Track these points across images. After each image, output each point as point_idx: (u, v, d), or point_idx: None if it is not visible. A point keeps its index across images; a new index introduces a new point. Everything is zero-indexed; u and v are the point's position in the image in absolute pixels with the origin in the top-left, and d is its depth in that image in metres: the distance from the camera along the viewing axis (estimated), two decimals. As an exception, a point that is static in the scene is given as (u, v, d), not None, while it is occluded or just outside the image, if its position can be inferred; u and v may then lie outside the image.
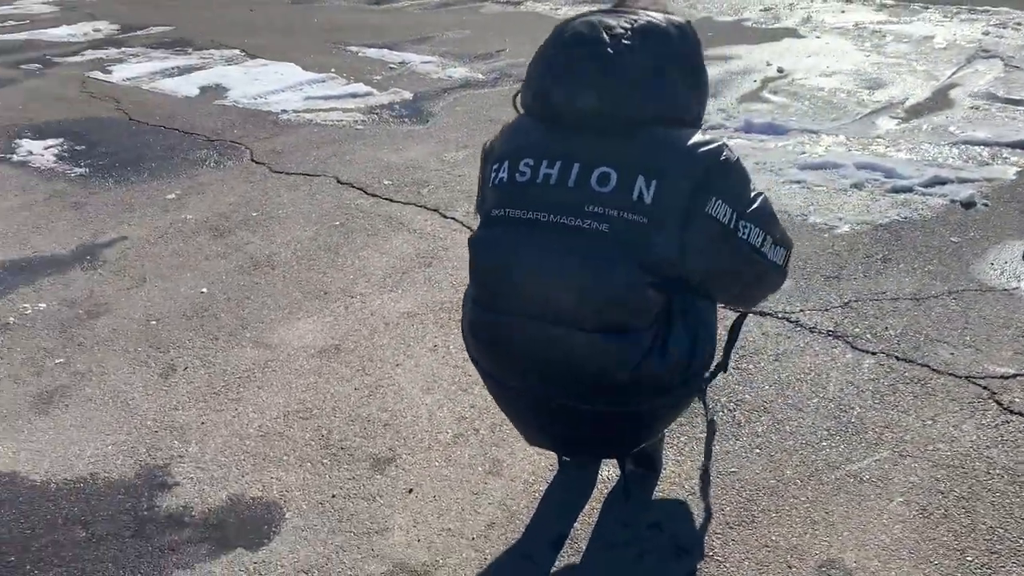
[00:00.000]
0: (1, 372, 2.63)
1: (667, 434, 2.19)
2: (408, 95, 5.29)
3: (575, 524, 1.96)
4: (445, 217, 3.52)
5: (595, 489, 2.05)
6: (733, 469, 2.09)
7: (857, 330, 2.59)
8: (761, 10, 7.30)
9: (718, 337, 1.75)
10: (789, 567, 1.82)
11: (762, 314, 2.69)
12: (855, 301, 2.75)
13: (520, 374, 1.70)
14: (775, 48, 5.93)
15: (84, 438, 2.32)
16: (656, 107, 1.59)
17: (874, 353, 2.48)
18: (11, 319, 2.92)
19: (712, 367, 1.79)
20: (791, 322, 2.65)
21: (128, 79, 5.90)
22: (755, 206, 1.65)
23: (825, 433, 2.18)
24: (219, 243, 3.41)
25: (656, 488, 2.05)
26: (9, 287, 3.14)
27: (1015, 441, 2.12)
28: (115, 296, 3.05)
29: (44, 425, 2.39)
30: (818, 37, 6.26)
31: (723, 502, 1.99)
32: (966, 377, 2.36)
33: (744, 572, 1.81)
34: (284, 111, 5.04)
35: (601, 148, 1.57)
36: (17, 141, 4.74)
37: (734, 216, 1.60)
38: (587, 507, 2.01)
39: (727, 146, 1.64)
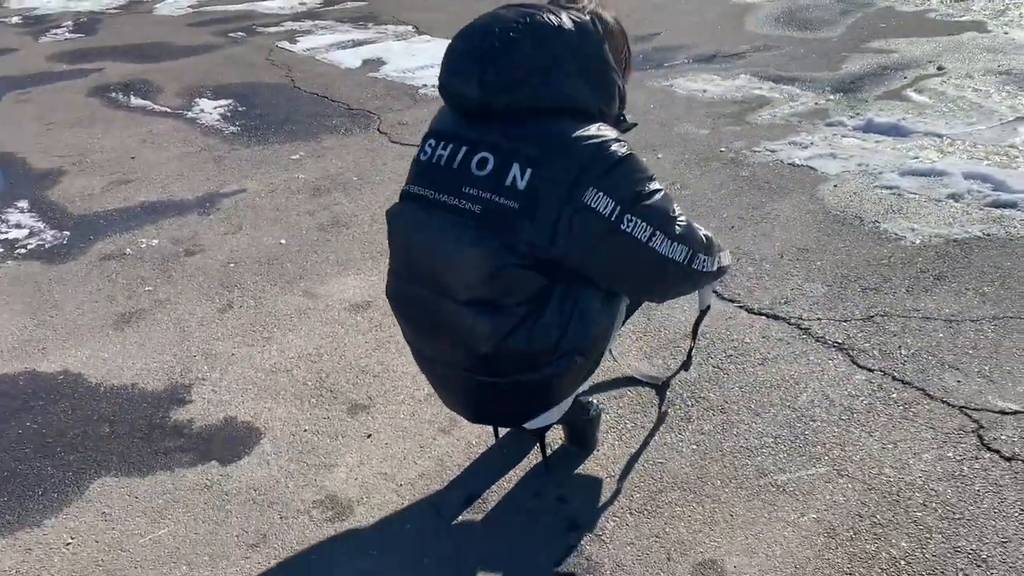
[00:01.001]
0: (103, 292, 3.14)
1: (614, 419, 2.27)
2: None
3: (492, 487, 2.10)
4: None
5: (526, 459, 2.17)
6: (661, 460, 2.14)
7: (866, 345, 2.49)
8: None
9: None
10: (668, 559, 1.86)
11: (774, 317, 2.65)
12: (880, 316, 2.63)
13: (427, 342, 1.87)
14: (947, 42, 5.49)
15: (139, 354, 2.75)
16: (544, 98, 1.68)
17: (870, 370, 2.39)
18: (128, 250, 3.45)
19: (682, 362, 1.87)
20: (800, 329, 2.59)
21: (307, 50, 6.51)
22: (647, 201, 1.69)
23: (770, 441, 2.16)
24: (313, 202, 3.80)
25: (581, 465, 2.14)
26: (138, 224, 3.69)
27: (972, 478, 2.00)
28: (212, 239, 3.50)
29: (116, 339, 2.85)
30: (1006, 32, 5.70)
31: (636, 489, 2.05)
32: (960, 407, 2.23)
33: (623, 555, 1.88)
34: (424, 85, 5.38)
35: (488, 134, 1.69)
36: (196, 100, 5.42)
37: (617, 209, 1.65)
38: (512, 474, 2.13)
39: (618, 139, 1.69)
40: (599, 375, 2.40)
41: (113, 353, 2.77)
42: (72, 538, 2.05)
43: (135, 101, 5.53)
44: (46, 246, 3.54)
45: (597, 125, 1.71)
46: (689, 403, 2.32)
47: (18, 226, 3.73)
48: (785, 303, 2.72)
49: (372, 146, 4.43)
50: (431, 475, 2.15)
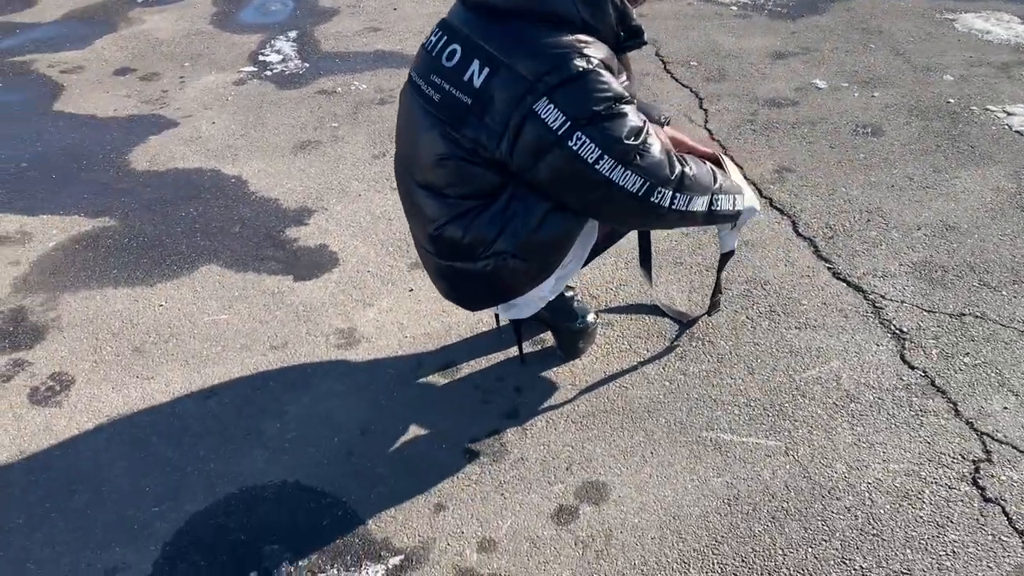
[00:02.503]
0: (300, 120, 3.67)
1: (615, 337, 2.32)
2: None
3: (470, 362, 2.29)
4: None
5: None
6: (627, 385, 2.18)
7: (929, 342, 2.25)
8: None
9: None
10: (567, 469, 1.96)
11: (855, 287, 2.46)
12: (973, 317, 2.33)
13: (409, 220, 2.05)
14: None
15: (295, 177, 3.24)
16: (529, 2, 1.71)
17: (912, 368, 2.18)
18: (339, 89, 3.94)
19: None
20: (873, 306, 2.39)
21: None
22: (603, 123, 1.70)
23: (742, 401, 2.10)
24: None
25: (554, 368, 2.24)
26: (361, 68, 4.16)
27: (926, 503, 1.82)
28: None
29: (287, 161, 3.36)
30: None
31: (584, 403, 2.13)
32: (981, 433, 1.99)
33: (531, 453, 2.01)
34: None
35: (470, 29, 1.78)
36: None
37: (567, 124, 1.68)
38: (494, 357, 2.30)
39: (587, 55, 1.69)
40: (624, 295, 2.44)
41: (278, 171, 3.28)
42: (164, 302, 2.59)
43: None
44: (286, 72, 4.14)
45: (574, 37, 1.71)
46: (695, 343, 2.30)
47: (277, 52, 4.38)
48: (879, 276, 2.49)
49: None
50: (434, 336, 2.38)
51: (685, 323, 2.33)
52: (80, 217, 3.04)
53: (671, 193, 1.79)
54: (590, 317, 2.27)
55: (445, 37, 1.81)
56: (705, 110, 3.54)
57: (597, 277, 2.57)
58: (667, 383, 2.17)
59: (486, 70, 1.72)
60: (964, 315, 2.33)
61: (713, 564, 1.72)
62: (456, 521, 1.85)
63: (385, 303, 2.52)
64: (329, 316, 2.48)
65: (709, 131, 3.36)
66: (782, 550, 1.74)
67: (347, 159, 3.32)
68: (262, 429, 2.12)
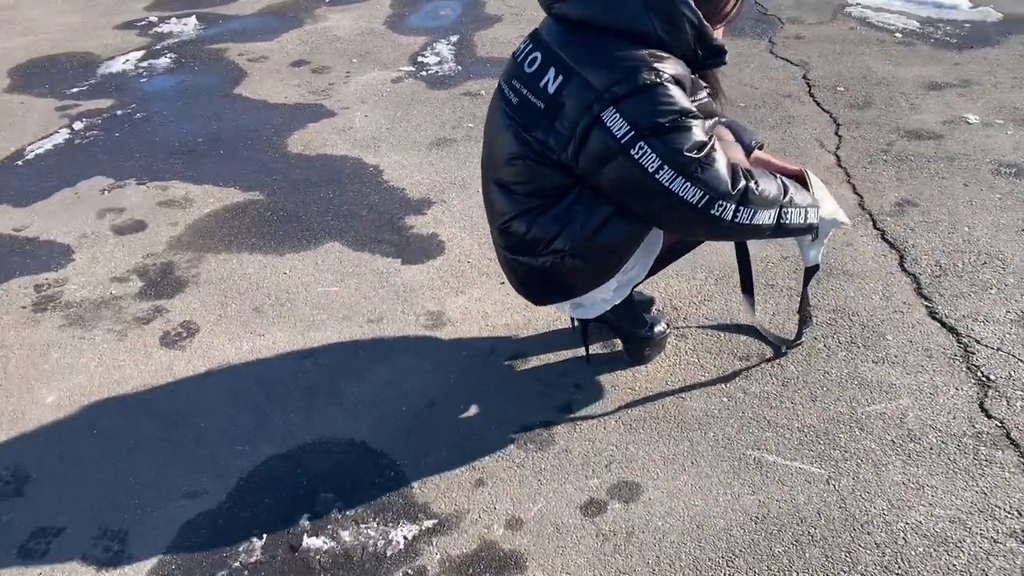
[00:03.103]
0: (440, 119, 3.90)
1: (692, 350, 2.36)
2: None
3: (540, 355, 2.40)
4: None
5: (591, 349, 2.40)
6: (684, 398, 2.22)
7: (1016, 394, 2.15)
8: None
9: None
10: (607, 467, 2.04)
11: (950, 328, 2.37)
12: (1076, 374, 2.20)
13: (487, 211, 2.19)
14: None
15: (425, 171, 3.46)
16: (607, 17, 1.82)
17: (990, 417, 2.09)
18: (482, 91, 4.16)
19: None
20: (964, 350, 2.30)
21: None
22: (666, 134, 1.78)
23: (797, 427, 2.10)
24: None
25: (617, 372, 2.32)
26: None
27: (976, 553, 1.77)
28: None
29: (420, 156, 3.59)
30: None
31: (640, 408, 2.20)
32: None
33: (576, 447, 2.10)
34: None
35: (551, 39, 1.91)
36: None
37: (631, 133, 1.78)
38: (564, 354, 2.40)
39: (657, 69, 1.77)
40: (707, 311, 2.47)
41: (412, 164, 3.53)
42: (288, 271, 2.88)
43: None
44: (439, 74, 4.41)
45: (647, 51, 1.80)
46: (765, 364, 2.30)
47: (436, 54, 4.66)
48: (980, 321, 2.39)
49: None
50: (512, 327, 2.52)
51: (776, 351, 2.32)
52: (235, 190, 3.40)
53: (733, 207, 1.84)
54: (659, 327, 2.33)
55: (531, 45, 1.94)
56: (840, 136, 3.46)
57: (683, 289, 2.61)
58: (725, 399, 2.19)
59: (560, 78, 1.84)
60: (1065, 369, 2.19)
61: (724, 575, 1.75)
62: (491, 497, 1.97)
63: (476, 292, 2.68)
64: (424, 299, 2.66)
65: (838, 157, 3.29)
66: (797, 572, 1.74)
67: (474, 157, 3.51)
68: (343, 391, 2.33)
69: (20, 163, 3.79)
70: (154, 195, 3.42)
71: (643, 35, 1.81)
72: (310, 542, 1.90)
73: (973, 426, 2.05)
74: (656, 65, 1.79)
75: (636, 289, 2.39)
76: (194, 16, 5.50)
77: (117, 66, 4.82)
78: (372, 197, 3.28)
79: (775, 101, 3.75)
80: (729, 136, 2.13)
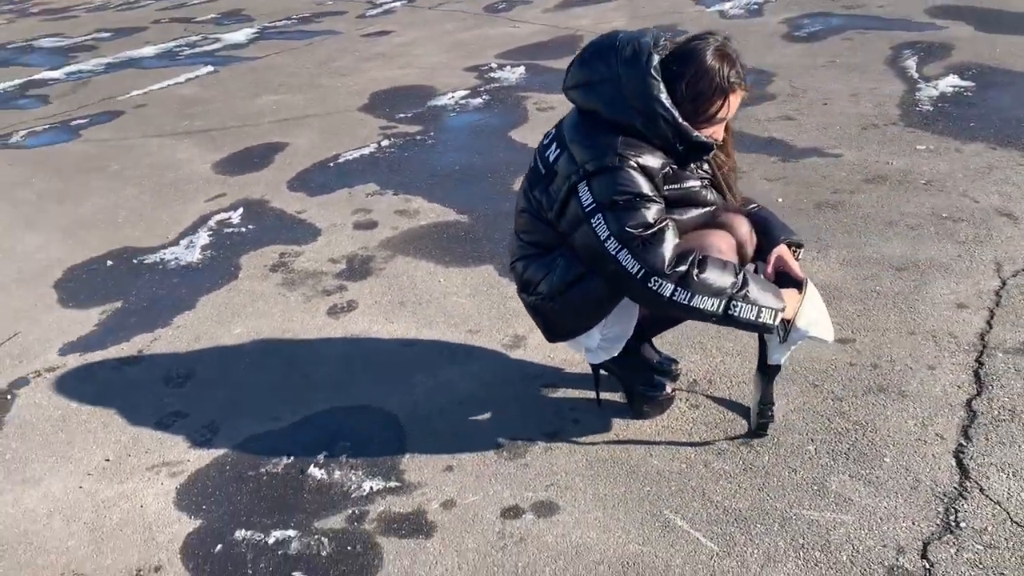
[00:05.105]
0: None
1: (690, 416, 2.55)
2: None
3: (571, 389, 2.75)
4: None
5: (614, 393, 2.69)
6: (676, 440, 2.43)
7: (979, 526, 2.04)
8: None
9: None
10: (550, 484, 2.37)
11: (965, 472, 2.27)
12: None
13: None
14: None
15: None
16: (599, 107, 2.18)
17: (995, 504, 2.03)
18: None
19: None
20: (962, 481, 2.20)
21: None
22: (620, 210, 2.10)
23: (730, 508, 2.22)
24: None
25: (617, 420, 2.58)
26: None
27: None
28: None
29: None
30: None
31: (614, 456, 2.46)
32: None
33: (544, 454, 2.45)
34: None
35: (566, 119, 2.31)
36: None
37: (593, 205, 2.14)
38: (588, 393, 2.71)
39: (623, 155, 2.10)
40: (727, 385, 2.62)
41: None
42: (442, 280, 3.52)
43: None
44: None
45: (624, 139, 2.14)
46: (744, 445, 2.41)
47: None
48: (1006, 474, 2.23)
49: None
50: (568, 362, 2.87)
51: (748, 432, 2.43)
52: (452, 210, 4.14)
53: (672, 286, 2.08)
54: (663, 391, 2.54)
55: (555, 124, 2.35)
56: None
57: (706, 362, 2.76)
58: (684, 465, 2.36)
59: (558, 151, 2.24)
60: (1055, 544, 2.00)
61: None
62: (448, 480, 2.41)
63: (561, 329, 3.07)
64: (519, 324, 3.12)
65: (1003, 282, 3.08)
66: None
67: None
68: (412, 377, 2.90)
69: (332, 164, 4.94)
70: (397, 204, 4.29)
71: (627, 126, 2.13)
72: (313, 471, 2.51)
73: (897, 561, 2.00)
74: (624, 152, 2.10)
75: (662, 351, 2.64)
76: (523, 66, 6.44)
77: (443, 100, 5.90)
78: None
79: (983, 218, 3.53)
80: (739, 223, 2.31)
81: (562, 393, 2.73)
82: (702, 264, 2.08)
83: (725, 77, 2.12)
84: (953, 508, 2.12)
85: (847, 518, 2.13)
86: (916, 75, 5.27)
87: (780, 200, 3.84)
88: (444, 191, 4.38)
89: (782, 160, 4.28)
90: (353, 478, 2.46)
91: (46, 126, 6.33)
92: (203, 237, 4.14)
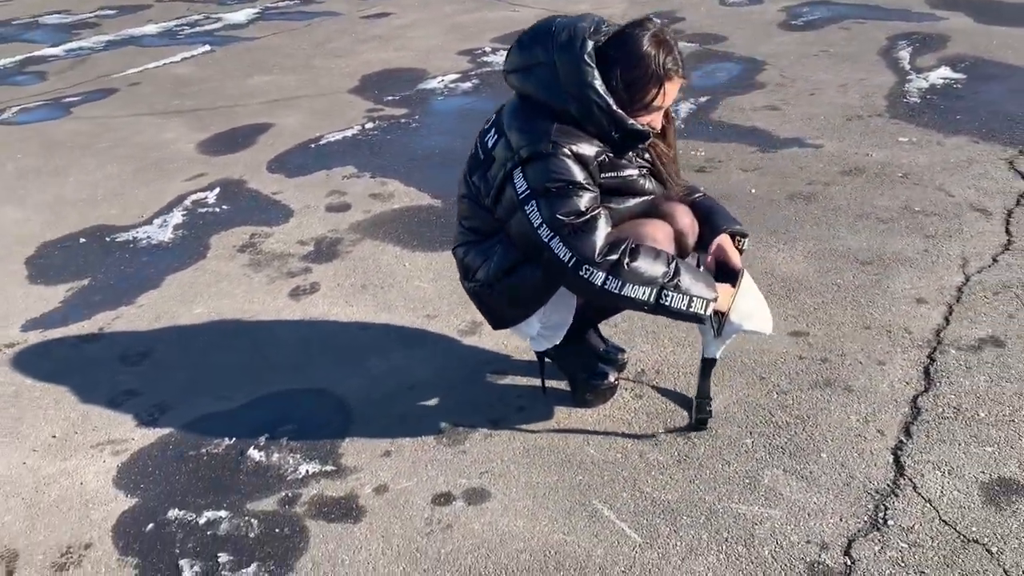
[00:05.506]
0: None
1: (630, 405, 2.54)
2: None
3: (524, 377, 2.73)
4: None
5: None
6: (614, 431, 2.42)
7: (907, 524, 2.02)
8: None
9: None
10: (484, 471, 2.36)
11: (895, 459, 2.25)
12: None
13: None
14: None
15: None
16: (536, 92, 2.15)
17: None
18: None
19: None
20: (897, 478, 2.18)
21: None
22: (552, 197, 2.07)
23: (657, 499, 2.20)
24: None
25: (558, 408, 2.56)
26: (726, 139, 4.51)
27: None
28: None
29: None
30: None
31: (543, 440, 2.45)
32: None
33: (483, 440, 2.44)
34: None
35: (507, 105, 2.28)
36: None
37: (527, 192, 2.12)
38: (535, 380, 2.69)
39: (557, 142, 2.08)
40: (675, 376, 2.60)
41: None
42: (407, 265, 3.51)
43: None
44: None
45: (559, 126, 2.11)
46: (681, 437, 2.39)
47: (674, 113, 4.93)
48: (941, 473, 2.20)
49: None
50: (520, 350, 2.85)
51: (689, 423, 2.41)
52: (426, 195, 4.12)
53: (602, 274, 2.05)
54: (605, 380, 2.52)
55: (496, 110, 2.33)
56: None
57: (657, 352, 2.73)
58: (620, 455, 2.35)
59: (496, 136, 2.21)
60: (981, 544, 1.97)
61: (479, 580, 2.00)
62: (385, 465, 2.41)
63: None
64: (475, 310, 3.09)
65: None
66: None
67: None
68: (366, 361, 2.89)
69: (313, 146, 4.92)
70: (373, 187, 4.28)
71: (563, 113, 2.11)
72: (252, 452, 2.51)
73: (819, 558, 1.98)
74: (558, 138, 2.08)
75: (610, 340, 2.62)
76: (515, 50, 6.38)
77: (432, 84, 5.87)
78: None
79: (956, 213, 3.47)
80: (680, 212, 2.28)
81: (510, 380, 2.71)
82: (634, 253, 2.06)
83: (661, 64, 2.09)
84: (883, 505, 2.10)
85: (775, 513, 2.10)
86: (908, 66, 5.19)
87: (753, 191, 3.80)
88: (422, 175, 4.36)
89: (761, 150, 4.24)
90: (291, 461, 2.46)
91: (39, 103, 6.35)
92: (177, 216, 4.14)
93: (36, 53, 7.96)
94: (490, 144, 2.22)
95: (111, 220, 4.18)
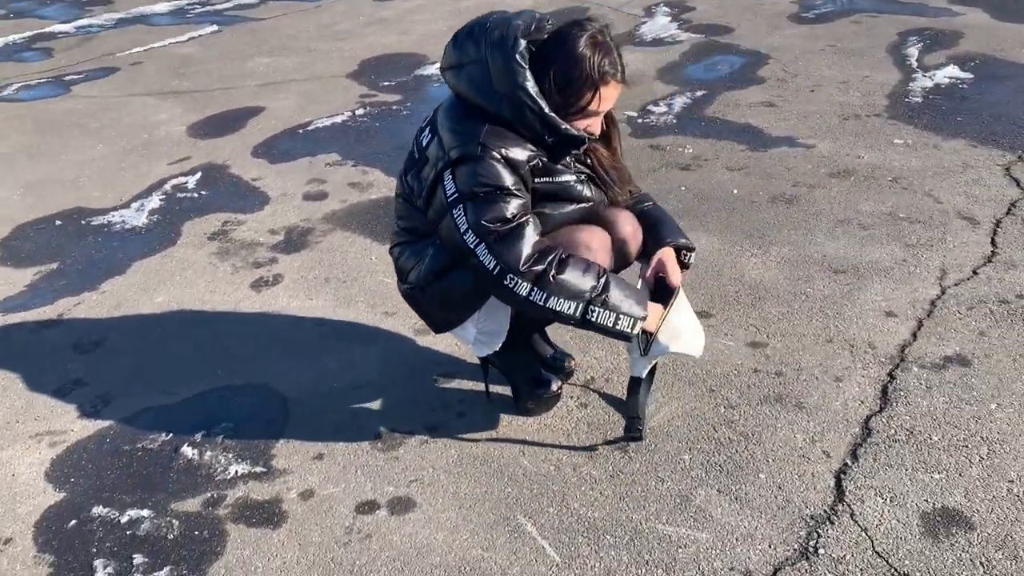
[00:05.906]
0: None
1: (575, 414, 2.46)
2: None
3: (470, 382, 2.67)
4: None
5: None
6: (553, 442, 2.35)
7: (839, 554, 1.93)
8: None
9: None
10: (414, 480, 2.30)
11: (837, 483, 2.15)
12: None
13: None
14: None
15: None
16: (469, 92, 2.08)
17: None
18: (667, 147, 4.27)
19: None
20: (836, 503, 2.08)
21: None
22: (479, 201, 2.00)
23: (583, 517, 2.13)
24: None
25: (502, 415, 2.49)
26: (718, 137, 4.38)
27: None
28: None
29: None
30: None
31: (495, 442, 2.38)
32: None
33: (418, 447, 2.38)
34: None
35: (443, 104, 2.21)
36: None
37: (455, 195, 2.05)
38: (480, 384, 2.62)
39: (486, 144, 2.00)
40: (624, 385, 2.52)
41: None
42: (373, 259, 3.45)
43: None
44: (657, 124, 4.57)
45: (490, 128, 2.03)
46: (618, 451, 2.31)
47: (668, 107, 4.81)
48: (883, 499, 2.11)
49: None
50: (469, 352, 2.77)
51: (623, 435, 2.33)
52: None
53: (528, 285, 1.98)
54: (549, 388, 2.44)
55: (435, 109, 2.25)
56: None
57: (607, 361, 2.65)
58: (553, 469, 2.27)
59: (431, 136, 2.14)
60: None
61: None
62: (315, 469, 2.36)
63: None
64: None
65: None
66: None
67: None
68: (319, 358, 2.84)
69: (301, 132, 4.87)
70: (353, 175, 4.22)
71: (495, 114, 2.02)
72: (186, 450, 2.47)
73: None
74: (488, 141, 2.00)
75: (558, 346, 2.54)
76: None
77: (430, 70, 5.77)
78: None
79: (942, 221, 3.34)
80: (623, 219, 2.20)
81: (457, 384, 2.65)
82: (562, 264, 1.98)
83: (596, 67, 2.00)
84: (816, 532, 2.01)
85: (702, 536, 2.02)
86: (915, 64, 5.02)
87: (735, 191, 3.69)
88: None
89: (750, 149, 4.11)
90: (222, 460, 2.42)
91: (42, 80, 6.35)
92: (155, 201, 4.11)
93: (46, 29, 7.98)
94: (424, 143, 2.14)
95: (91, 203, 4.16)
